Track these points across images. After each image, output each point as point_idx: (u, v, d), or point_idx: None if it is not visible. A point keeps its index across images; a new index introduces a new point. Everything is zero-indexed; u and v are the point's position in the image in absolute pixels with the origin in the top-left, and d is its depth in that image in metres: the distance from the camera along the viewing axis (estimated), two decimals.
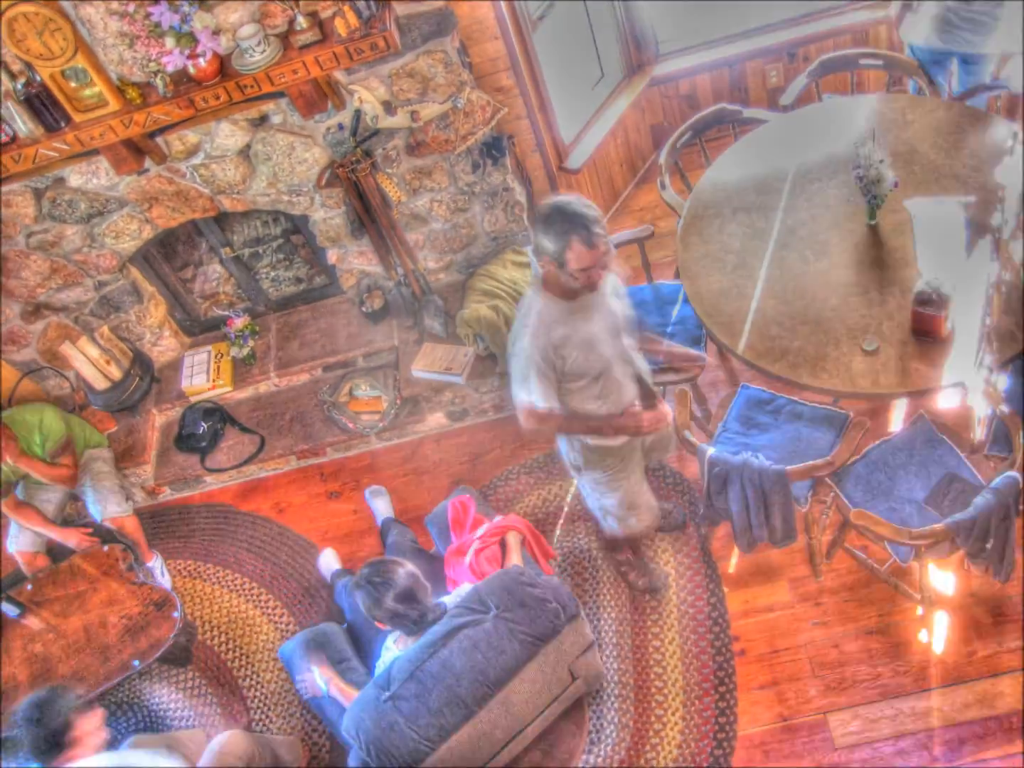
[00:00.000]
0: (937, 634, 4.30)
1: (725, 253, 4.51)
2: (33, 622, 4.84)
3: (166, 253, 5.86)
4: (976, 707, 4.10)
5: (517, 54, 4.93)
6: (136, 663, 4.69)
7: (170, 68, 4.19)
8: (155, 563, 5.41)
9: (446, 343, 5.56)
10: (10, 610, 4.80)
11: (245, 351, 5.94)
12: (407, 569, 3.75)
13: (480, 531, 4.36)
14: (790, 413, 4.40)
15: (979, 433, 4.08)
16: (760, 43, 5.93)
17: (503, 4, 4.80)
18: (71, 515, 5.85)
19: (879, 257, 4.27)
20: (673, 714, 4.38)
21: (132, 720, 5.00)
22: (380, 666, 3.89)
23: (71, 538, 5.15)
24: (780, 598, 4.60)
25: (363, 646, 4.41)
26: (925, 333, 3.90)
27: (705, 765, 4.21)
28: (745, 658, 4.47)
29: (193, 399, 6.00)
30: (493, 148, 5.07)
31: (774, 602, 4.59)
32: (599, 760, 4.35)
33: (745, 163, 4.82)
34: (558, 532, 5.09)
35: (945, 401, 4.55)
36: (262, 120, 4.78)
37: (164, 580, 5.37)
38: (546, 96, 5.34)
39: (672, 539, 4.88)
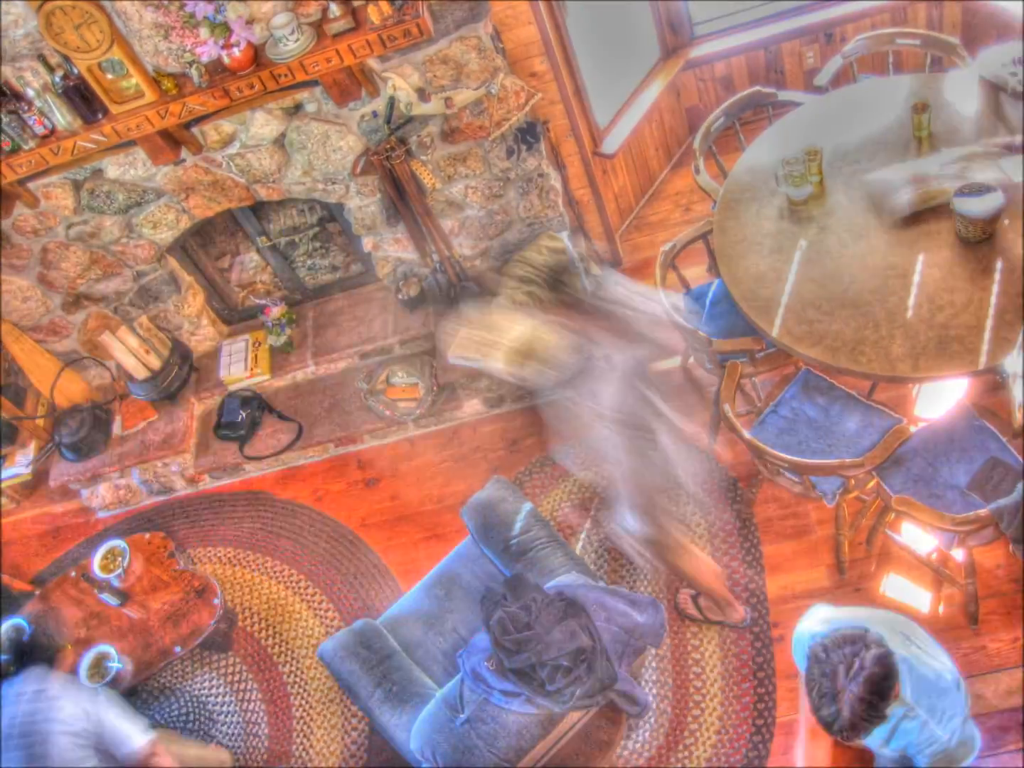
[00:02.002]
0: (980, 619, 4.27)
1: (762, 237, 4.47)
2: (133, 611, 4.91)
3: (203, 243, 5.91)
4: (1020, 694, 4.05)
5: (551, 39, 4.90)
6: (178, 649, 4.75)
7: (205, 58, 4.21)
8: None
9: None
10: (111, 600, 4.86)
11: (282, 339, 5.97)
12: None
13: None
14: (844, 407, 4.34)
15: (1020, 417, 4.02)
16: (796, 24, 5.86)
17: None
18: None
19: (918, 238, 4.22)
20: (711, 700, 4.37)
21: (174, 705, 5.07)
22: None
23: None
24: (820, 583, 4.57)
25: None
26: None
27: (743, 751, 4.21)
28: (784, 644, 4.44)
29: (231, 387, 6.04)
30: (528, 134, 5.05)
31: (813, 587, 4.56)
32: (638, 746, 4.35)
33: (780, 146, 4.76)
34: (587, 525, 5.10)
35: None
36: (296, 109, 4.79)
37: None
38: (580, 81, 5.31)
39: (708, 524, 4.86)
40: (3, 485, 6.02)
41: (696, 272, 5.36)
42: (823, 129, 4.76)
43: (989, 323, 3.86)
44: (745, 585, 4.64)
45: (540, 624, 3.62)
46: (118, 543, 5.14)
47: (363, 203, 5.31)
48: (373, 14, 4.11)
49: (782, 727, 4.24)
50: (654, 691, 4.45)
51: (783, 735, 4.22)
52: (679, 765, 4.26)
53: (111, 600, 4.86)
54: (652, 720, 4.40)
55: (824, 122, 4.83)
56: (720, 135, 5.19)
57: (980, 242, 4.09)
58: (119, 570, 5.01)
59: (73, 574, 5.16)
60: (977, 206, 3.98)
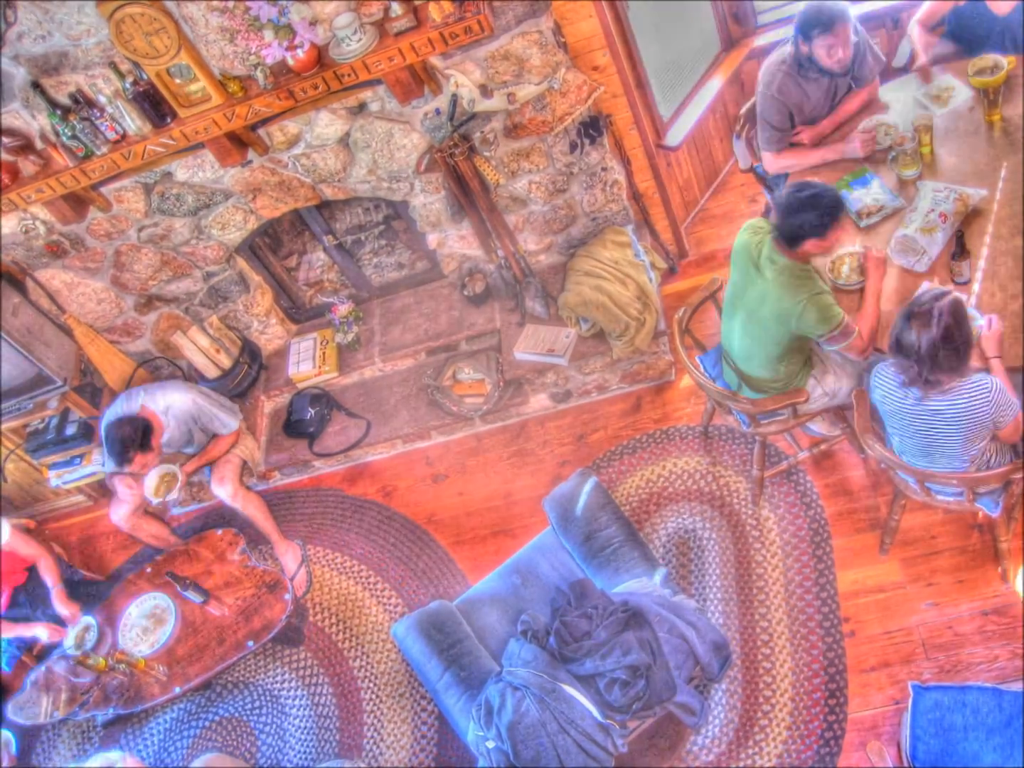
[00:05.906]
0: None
1: None
2: (216, 607, 5.00)
3: (271, 243, 5.98)
4: None
5: (613, 32, 4.87)
6: (250, 643, 4.82)
7: (269, 60, 4.26)
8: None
9: (548, 324, 5.56)
10: (195, 597, 4.94)
11: (350, 337, 6.03)
12: None
13: None
14: None
15: None
16: (862, 9, 5.75)
17: None
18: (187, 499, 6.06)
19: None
20: (782, 695, 4.33)
21: (248, 699, 5.15)
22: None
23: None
24: (891, 578, 4.50)
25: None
26: None
27: (815, 747, 4.16)
28: (855, 639, 4.39)
29: (300, 385, 6.11)
30: (591, 128, 5.04)
31: (885, 582, 4.50)
32: (707, 741, 4.33)
33: None
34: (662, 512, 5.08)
35: None
36: (360, 108, 4.83)
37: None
38: (643, 73, 5.27)
39: (777, 518, 4.82)
40: (80, 483, 6.16)
41: None
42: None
43: None
44: (815, 580, 4.59)
45: (600, 634, 3.66)
46: (169, 467, 5.31)
47: (428, 200, 5.33)
48: (435, 12, 4.12)
49: (854, 723, 4.18)
50: (724, 686, 4.42)
51: (856, 731, 4.16)
52: (749, 762, 4.23)
53: (195, 598, 4.93)
54: (722, 716, 4.37)
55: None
56: None
57: None
58: (173, 493, 5.23)
59: (148, 570, 5.27)
60: None
